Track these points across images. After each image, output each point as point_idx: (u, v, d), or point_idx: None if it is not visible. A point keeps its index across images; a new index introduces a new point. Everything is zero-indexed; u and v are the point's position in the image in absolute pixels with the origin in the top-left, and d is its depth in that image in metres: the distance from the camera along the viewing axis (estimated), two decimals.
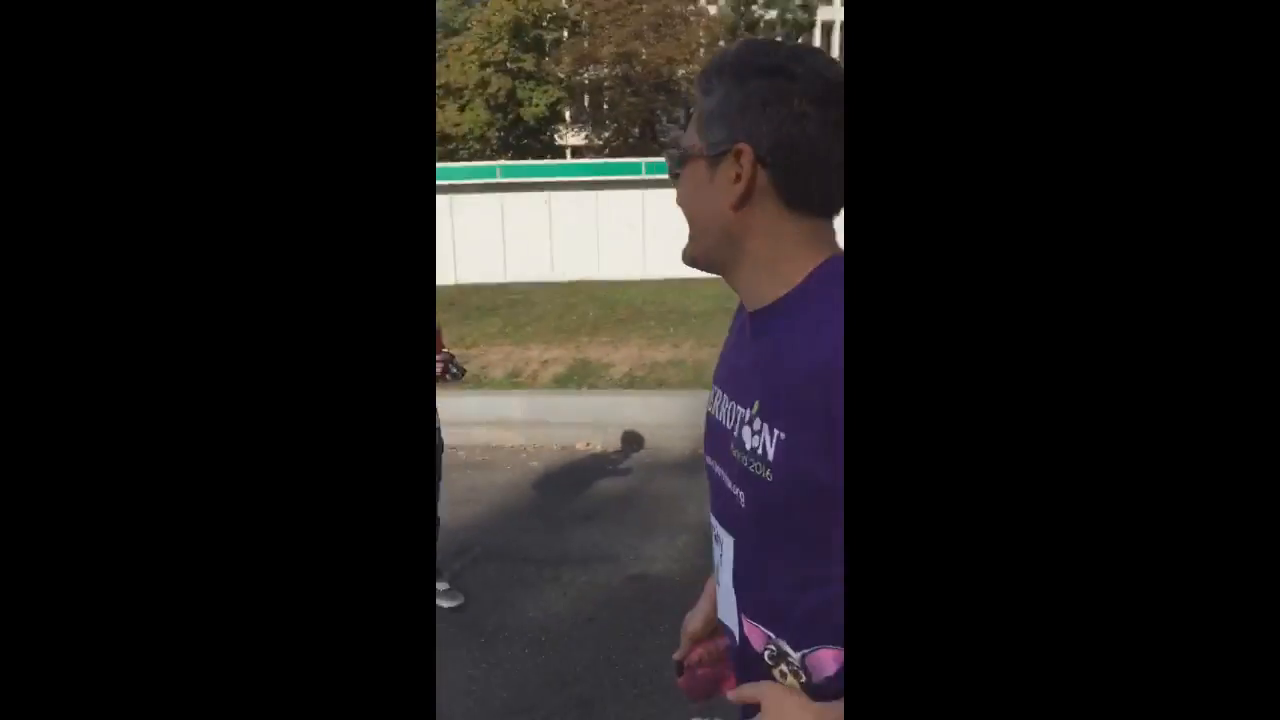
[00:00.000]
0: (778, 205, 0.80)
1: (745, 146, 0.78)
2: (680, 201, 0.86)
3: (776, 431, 0.79)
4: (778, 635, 0.84)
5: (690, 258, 0.88)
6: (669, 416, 5.76)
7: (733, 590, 0.89)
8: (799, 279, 0.81)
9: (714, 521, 0.93)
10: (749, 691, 0.86)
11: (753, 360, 0.86)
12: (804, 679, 0.83)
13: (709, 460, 0.94)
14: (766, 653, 0.85)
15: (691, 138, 0.84)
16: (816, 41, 29.48)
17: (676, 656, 1.06)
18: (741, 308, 0.92)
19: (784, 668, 0.84)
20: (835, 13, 29.24)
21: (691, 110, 0.94)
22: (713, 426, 0.93)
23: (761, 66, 0.79)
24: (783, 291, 0.82)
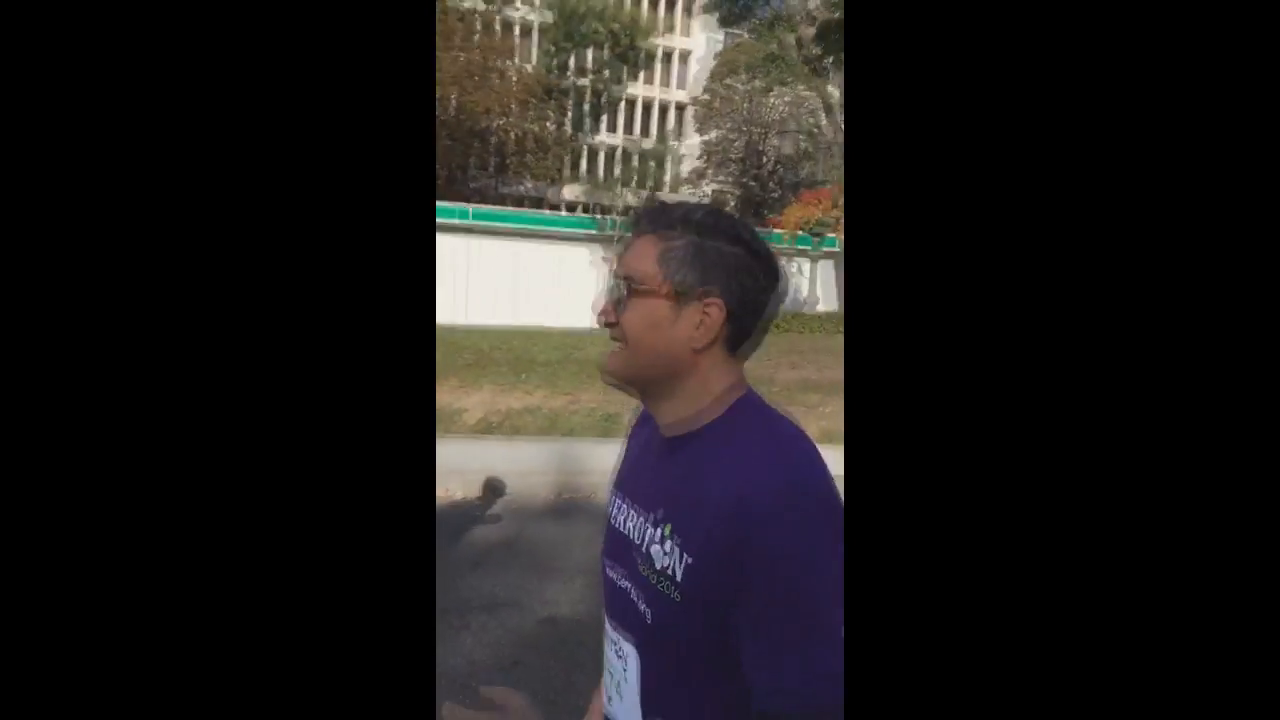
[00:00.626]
0: (723, 351, 0.89)
1: (719, 301, 0.86)
2: (631, 327, 0.88)
3: (686, 556, 0.82)
4: None
5: (618, 376, 0.91)
6: (529, 464, 5.81)
7: (638, 701, 0.90)
8: (720, 412, 0.88)
9: (612, 628, 0.94)
10: None
11: (665, 481, 0.89)
12: None
13: (607, 564, 0.96)
14: None
15: (646, 269, 0.87)
16: (623, 112, 31.15)
17: None
18: (647, 422, 0.98)
19: None
20: (639, 89, 31.13)
21: (627, 232, 0.96)
22: (614, 535, 0.95)
23: (727, 233, 0.88)
24: (704, 422, 0.88)
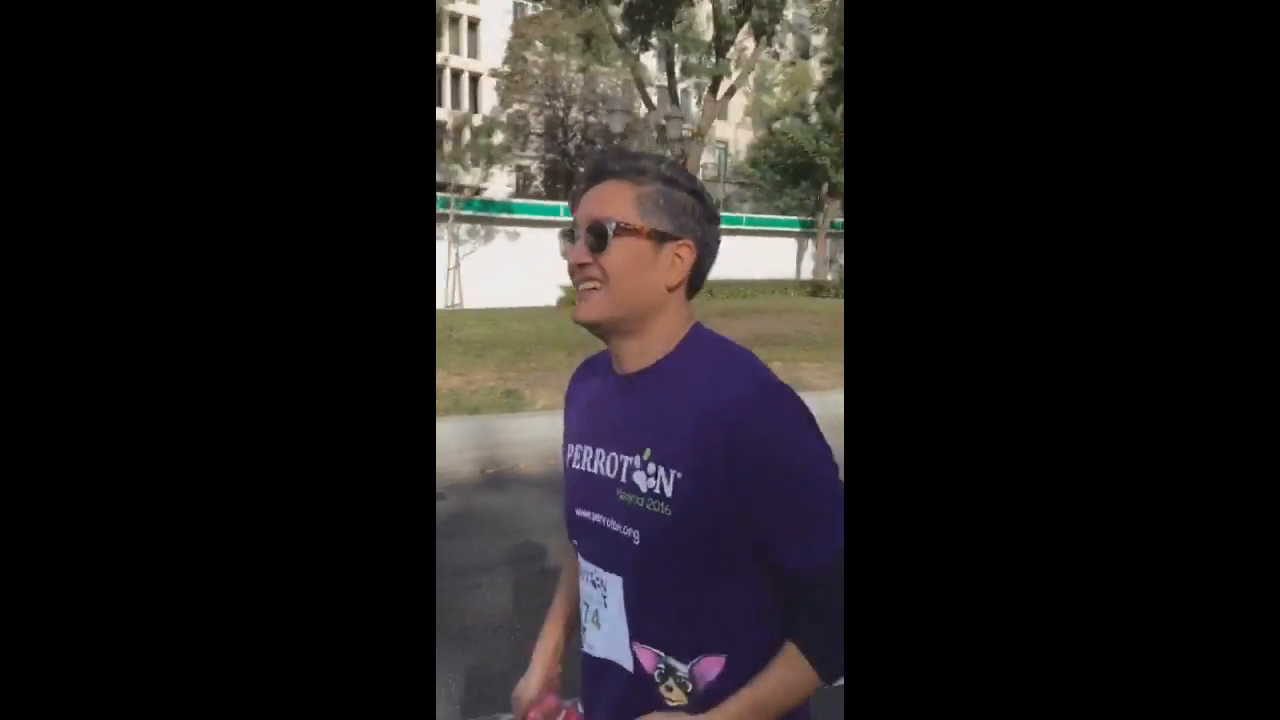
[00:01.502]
0: (684, 291, 0.97)
1: (690, 243, 0.95)
2: (613, 267, 0.92)
3: (673, 473, 0.89)
4: (668, 653, 0.94)
5: (595, 317, 0.94)
6: (444, 444, 5.90)
7: (624, 623, 0.96)
8: (675, 344, 0.96)
9: (590, 564, 1.00)
10: None
11: (633, 415, 0.95)
12: (690, 688, 0.94)
13: (581, 513, 1.01)
14: (656, 672, 0.95)
15: (625, 212, 0.93)
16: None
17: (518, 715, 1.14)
18: (590, 375, 1.08)
19: (671, 682, 0.95)
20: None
21: (587, 180, 1.00)
22: (583, 479, 1.00)
23: (686, 184, 0.97)
24: (661, 354, 0.96)
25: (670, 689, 0.96)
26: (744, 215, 20.34)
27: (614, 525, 0.96)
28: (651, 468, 0.92)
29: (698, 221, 0.96)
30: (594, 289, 0.94)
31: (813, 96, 20.64)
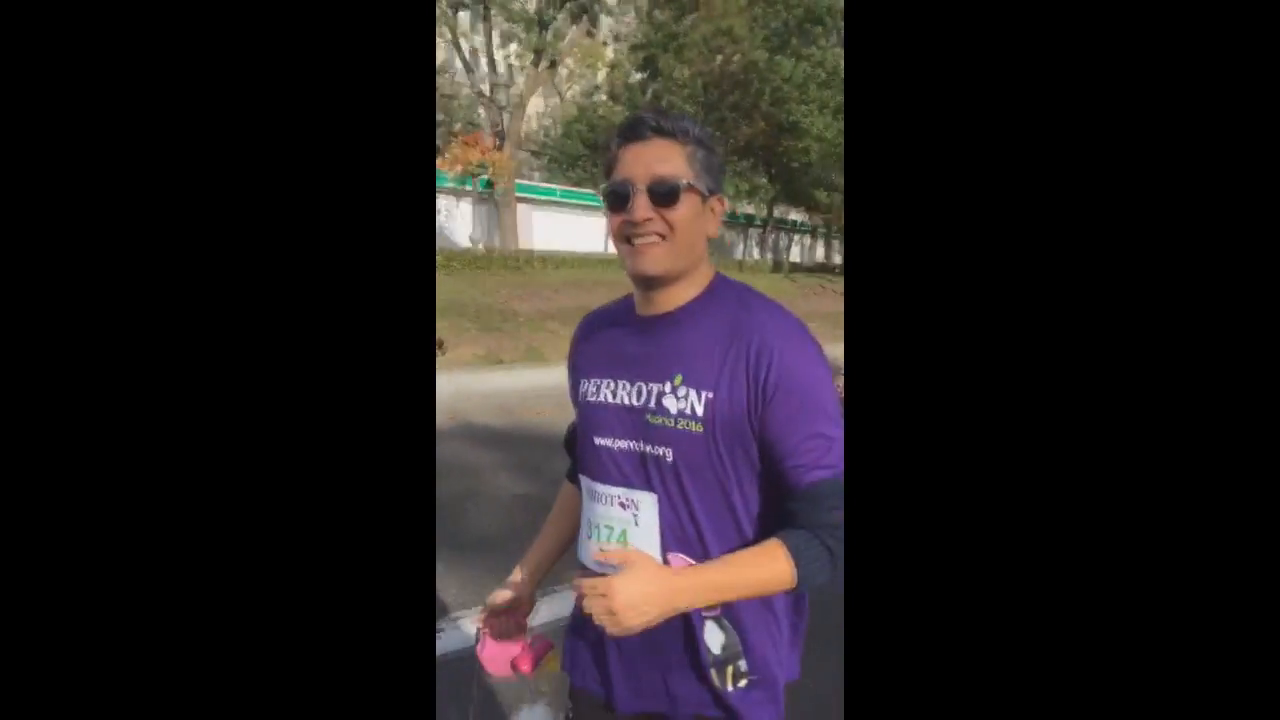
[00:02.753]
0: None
1: (721, 197, 1.07)
2: (681, 220, 1.01)
3: (704, 393, 1.00)
4: (699, 559, 1.03)
5: (664, 270, 1.03)
6: None
7: (656, 536, 1.04)
8: (703, 288, 1.08)
9: (615, 492, 1.07)
10: (615, 553, 1.01)
11: (665, 348, 1.05)
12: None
13: (604, 442, 1.09)
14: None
15: (683, 171, 1.02)
16: None
17: (477, 621, 1.21)
18: (613, 317, 1.16)
19: None
20: None
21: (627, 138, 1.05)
22: (606, 411, 1.09)
23: (711, 145, 1.07)
24: (692, 296, 1.07)
25: None
26: (558, 189, 20.80)
27: (644, 447, 1.05)
28: (683, 391, 1.01)
29: (720, 178, 1.08)
30: (655, 243, 1.01)
31: (602, 74, 21.30)
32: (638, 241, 1.02)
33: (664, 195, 1.00)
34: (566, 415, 1.25)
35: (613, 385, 1.10)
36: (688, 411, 1.02)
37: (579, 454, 1.17)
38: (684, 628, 1.06)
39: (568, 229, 19.51)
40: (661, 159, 1.02)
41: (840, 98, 17.79)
